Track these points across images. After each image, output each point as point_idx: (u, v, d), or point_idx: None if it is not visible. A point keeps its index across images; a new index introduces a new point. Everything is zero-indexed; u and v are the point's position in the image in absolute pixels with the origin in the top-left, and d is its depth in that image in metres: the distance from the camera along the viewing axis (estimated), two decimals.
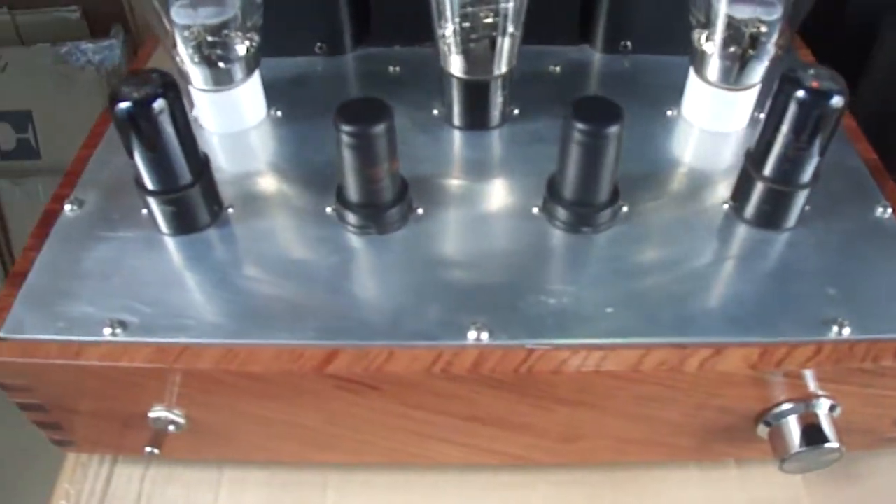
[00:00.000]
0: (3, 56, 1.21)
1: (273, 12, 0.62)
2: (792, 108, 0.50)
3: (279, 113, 0.66)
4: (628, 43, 0.70)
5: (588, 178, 0.52)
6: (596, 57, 0.72)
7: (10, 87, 1.22)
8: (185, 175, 0.53)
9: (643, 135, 0.63)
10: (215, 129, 0.64)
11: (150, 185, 0.53)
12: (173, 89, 0.50)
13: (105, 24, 1.20)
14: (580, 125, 0.49)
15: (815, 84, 0.50)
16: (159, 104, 0.49)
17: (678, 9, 0.64)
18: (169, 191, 0.53)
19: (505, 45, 0.59)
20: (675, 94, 0.66)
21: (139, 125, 0.50)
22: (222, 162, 0.61)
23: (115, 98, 0.49)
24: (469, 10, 0.57)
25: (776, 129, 0.52)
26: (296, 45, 0.71)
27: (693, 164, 0.61)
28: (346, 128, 0.49)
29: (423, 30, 0.65)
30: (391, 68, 0.70)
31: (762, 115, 0.64)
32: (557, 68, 0.69)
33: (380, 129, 0.49)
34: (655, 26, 0.69)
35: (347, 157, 0.50)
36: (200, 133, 0.64)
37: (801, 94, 0.49)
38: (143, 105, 0.49)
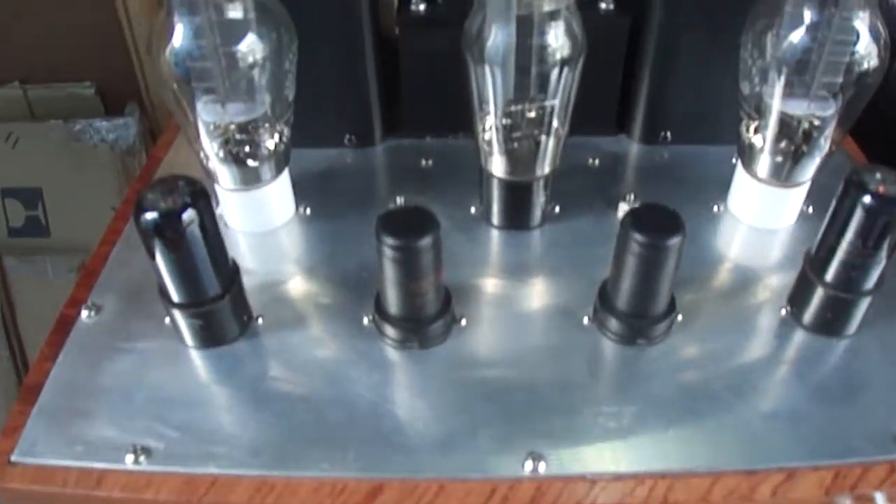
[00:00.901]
0: (15, 132, 1.19)
1: (300, 103, 0.59)
2: (858, 215, 0.47)
3: (308, 211, 0.63)
4: (668, 133, 0.68)
5: (646, 290, 0.49)
6: (634, 148, 0.69)
7: (21, 163, 1.19)
8: (214, 287, 0.50)
9: (691, 233, 0.59)
10: (242, 229, 0.61)
11: (175, 297, 0.50)
12: (203, 198, 0.47)
13: (120, 102, 1.17)
14: (639, 237, 0.46)
15: (881, 189, 0.47)
16: (189, 215, 0.46)
17: (717, 98, 0.63)
18: (196, 304, 0.50)
19: (549, 145, 0.56)
20: (718, 187, 0.64)
21: (166, 237, 0.46)
22: (250, 264, 0.58)
23: (140, 207, 0.46)
24: (513, 108, 0.54)
25: (840, 234, 0.49)
26: (324, 136, 0.68)
27: (744, 263, 0.58)
28: (389, 241, 0.46)
29: (455, 121, 0.63)
30: (423, 161, 0.67)
31: (811, 209, 0.62)
32: (596, 161, 0.67)
33: (426, 242, 0.46)
34: (695, 116, 0.67)
35: (389, 270, 0.47)
36: (226, 233, 0.61)
37: (867, 199, 0.47)
38: (170, 217, 0.46)
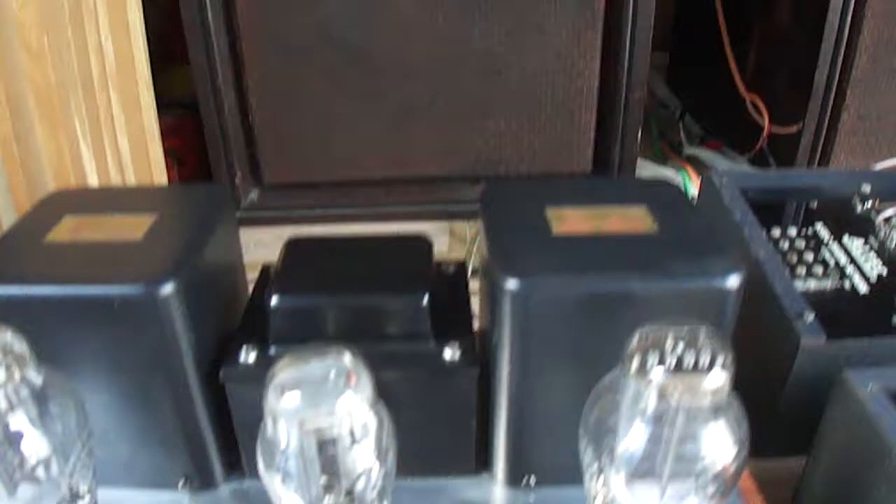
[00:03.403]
0: None
1: (124, 440, 0.55)
2: None
3: None
4: (531, 478, 0.62)
5: None
6: (497, 492, 0.63)
7: None
8: None
9: None
10: None
11: None
12: None
13: None
14: None
15: None
16: None
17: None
18: None
19: None
20: None
21: None
22: None
23: None
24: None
25: None
26: (154, 477, 0.62)
27: None
28: None
29: None
30: None
31: None
32: None
33: None
34: (560, 458, 0.61)
35: None
36: None
37: None
38: None
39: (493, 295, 0.56)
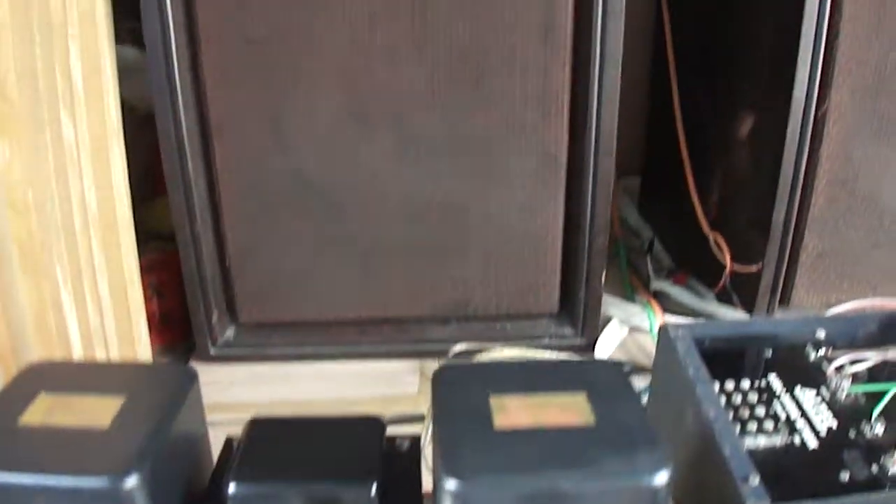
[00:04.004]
0: None
1: None
2: None
3: None
4: None
5: None
6: None
7: None
8: None
9: None
10: None
11: None
12: None
13: None
14: None
15: None
16: None
17: None
18: None
19: None
20: None
21: None
22: None
23: None
24: None
25: None
26: None
27: None
28: None
29: None
30: None
31: None
32: None
33: None
34: None
35: None
36: None
37: None
38: None
39: (436, 484, 0.59)
